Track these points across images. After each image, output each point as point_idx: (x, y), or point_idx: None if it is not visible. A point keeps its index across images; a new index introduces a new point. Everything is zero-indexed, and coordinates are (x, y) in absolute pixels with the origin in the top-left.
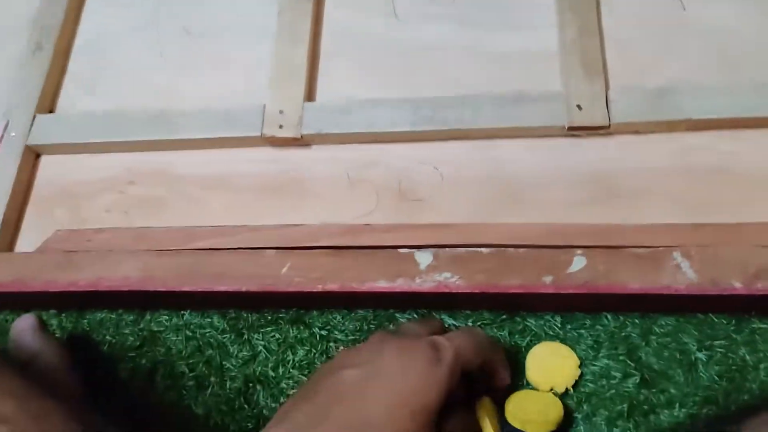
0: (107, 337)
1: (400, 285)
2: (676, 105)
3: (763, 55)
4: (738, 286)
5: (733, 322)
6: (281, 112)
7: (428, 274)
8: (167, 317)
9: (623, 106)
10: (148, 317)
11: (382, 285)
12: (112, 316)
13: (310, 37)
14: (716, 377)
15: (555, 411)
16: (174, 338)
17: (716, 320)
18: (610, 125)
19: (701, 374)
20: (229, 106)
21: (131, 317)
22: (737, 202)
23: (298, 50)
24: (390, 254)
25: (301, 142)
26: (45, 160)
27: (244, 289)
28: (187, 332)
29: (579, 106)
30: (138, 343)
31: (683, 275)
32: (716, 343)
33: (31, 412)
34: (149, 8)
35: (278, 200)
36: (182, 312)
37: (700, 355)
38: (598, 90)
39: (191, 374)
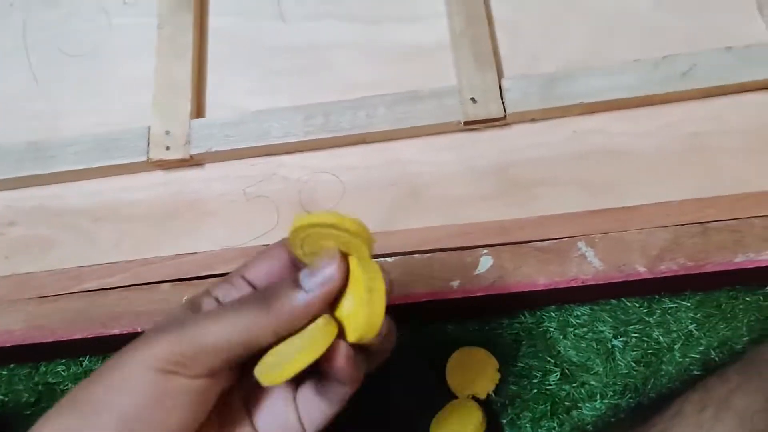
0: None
1: None
2: (568, 90)
3: (646, 34)
4: (642, 270)
5: (645, 304)
6: (167, 132)
7: None
8: (64, 367)
9: (517, 95)
10: (43, 369)
11: None
12: (3, 372)
13: (193, 49)
14: (633, 363)
15: (474, 420)
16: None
17: (629, 304)
18: (506, 116)
19: (619, 362)
20: (112, 130)
21: (24, 371)
22: (633, 182)
23: (182, 65)
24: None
25: (191, 162)
26: None
27: (140, 329)
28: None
29: (473, 99)
30: (33, 399)
31: (589, 265)
32: (630, 328)
33: None
34: (17, 30)
35: (173, 226)
36: (80, 359)
37: (616, 342)
38: (491, 81)
39: None
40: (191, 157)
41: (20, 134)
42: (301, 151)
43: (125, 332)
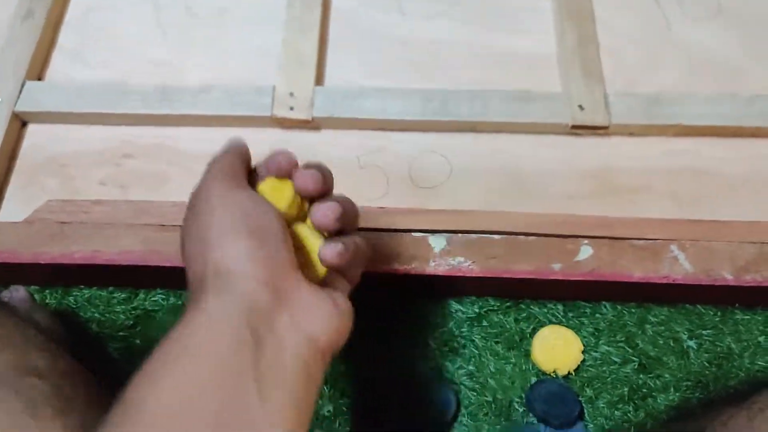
0: (96, 315)
1: (415, 268)
2: (668, 111)
3: (733, 76)
4: (729, 277)
5: (719, 313)
6: (291, 94)
7: (442, 258)
8: (163, 296)
9: (621, 109)
10: (142, 296)
11: (396, 267)
12: (102, 293)
13: (319, 26)
14: (706, 363)
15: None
16: (171, 319)
17: (704, 311)
18: (609, 126)
19: (692, 361)
20: (238, 85)
21: (123, 295)
22: (719, 201)
23: (308, 39)
24: (404, 237)
25: (311, 124)
26: (32, 129)
27: None
28: None
29: (581, 107)
30: (131, 323)
31: (680, 266)
32: (705, 332)
33: (59, 369)
34: None
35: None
36: (180, 291)
37: (690, 343)
38: (598, 93)
39: None
40: (312, 119)
41: (145, 76)
42: (414, 130)
43: None
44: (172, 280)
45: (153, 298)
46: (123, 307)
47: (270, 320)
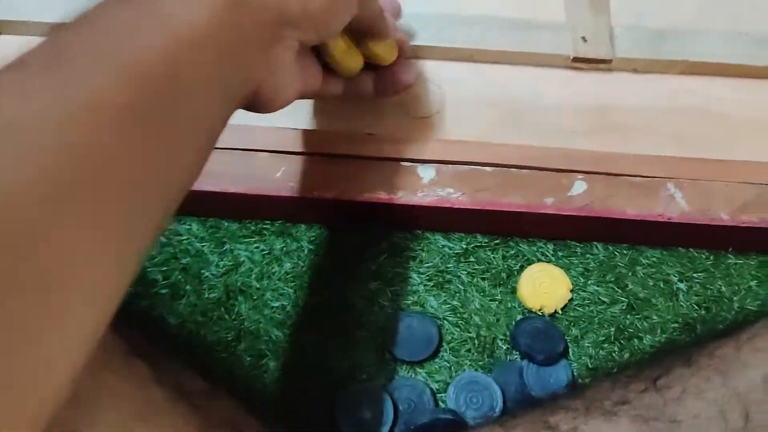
0: None
1: (401, 198)
2: (675, 47)
3: (755, 9)
4: (725, 217)
5: (712, 257)
6: None
7: (430, 188)
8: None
9: (626, 42)
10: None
11: (381, 196)
12: None
13: None
14: (695, 306)
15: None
16: None
17: (696, 254)
18: (612, 60)
19: (681, 303)
20: None
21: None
22: (723, 141)
23: None
24: (391, 166)
25: None
26: (4, 40)
27: (231, 190)
28: (162, 238)
29: (584, 38)
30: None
31: (676, 204)
32: (696, 275)
33: None
34: None
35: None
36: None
37: (681, 285)
38: (603, 25)
39: (164, 282)
40: None
41: None
42: (408, 57)
43: (216, 190)
44: None
45: None
46: None
47: None
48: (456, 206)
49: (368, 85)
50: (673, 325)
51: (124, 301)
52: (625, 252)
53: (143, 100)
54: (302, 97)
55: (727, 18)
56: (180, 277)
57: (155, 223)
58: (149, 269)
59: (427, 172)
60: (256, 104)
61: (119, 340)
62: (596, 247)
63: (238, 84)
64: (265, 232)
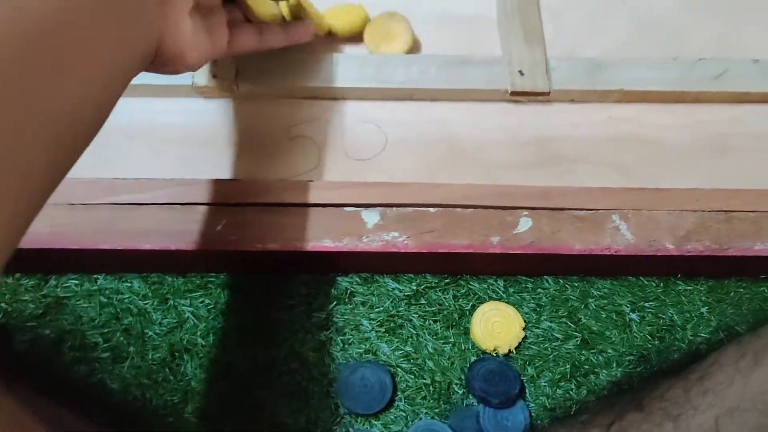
0: (2, 305)
1: (347, 245)
2: (610, 76)
3: (679, 37)
4: (670, 247)
5: (662, 284)
6: (215, 61)
7: (376, 234)
8: (77, 282)
9: (562, 74)
10: (53, 282)
11: (327, 245)
12: (8, 280)
13: None
14: (648, 337)
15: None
16: (85, 305)
17: (646, 282)
18: (550, 92)
19: (635, 334)
20: None
21: (32, 282)
22: (661, 170)
23: None
24: (335, 213)
25: (236, 93)
26: None
27: (172, 247)
28: (102, 298)
29: (521, 72)
30: (40, 311)
31: (622, 236)
32: (647, 304)
33: None
34: None
35: (211, 154)
36: (95, 276)
37: (633, 316)
38: (539, 57)
39: (106, 345)
40: (237, 87)
41: None
42: (348, 98)
43: (156, 248)
44: (85, 263)
45: (65, 285)
46: (31, 295)
47: None
48: (402, 250)
49: (279, 39)
50: (628, 358)
51: (55, 373)
52: (576, 284)
53: (32, 46)
54: (213, 57)
55: (657, 45)
56: (122, 338)
57: (41, 171)
58: (88, 332)
59: (371, 217)
60: (161, 63)
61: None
62: (547, 281)
63: (135, 39)
64: (210, 285)
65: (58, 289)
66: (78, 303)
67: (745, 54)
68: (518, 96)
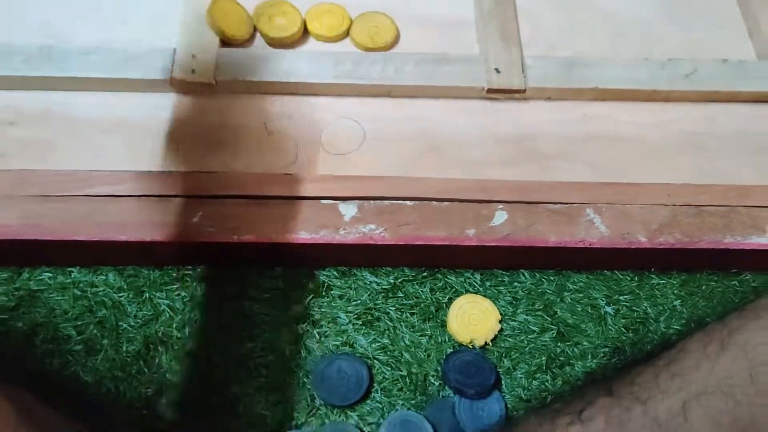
0: None
1: (323, 237)
2: (584, 75)
3: (651, 40)
4: (643, 240)
5: (636, 278)
6: (194, 56)
7: (352, 226)
8: (50, 275)
9: (538, 72)
10: (26, 275)
11: (303, 237)
12: None
13: None
14: (623, 329)
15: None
16: (58, 298)
17: (621, 276)
18: (526, 90)
19: (610, 327)
20: (132, 47)
21: (5, 275)
22: (635, 164)
23: None
24: (312, 205)
25: (214, 89)
26: None
27: (148, 239)
28: (76, 291)
29: (497, 70)
30: (12, 304)
31: (596, 229)
32: (622, 297)
33: None
34: None
35: (188, 149)
36: (69, 269)
37: (608, 309)
38: (515, 56)
39: (79, 337)
40: (216, 82)
41: (31, 36)
42: (326, 94)
43: (131, 240)
44: (59, 255)
45: (39, 277)
46: (4, 287)
47: None
48: (379, 243)
49: None
50: (603, 350)
51: (28, 366)
52: (552, 278)
53: None
54: None
55: (630, 47)
56: (95, 331)
57: None
58: (61, 324)
59: (348, 210)
60: None
61: (10, 407)
62: (523, 274)
63: None
64: (186, 278)
65: (31, 282)
66: (51, 296)
67: (714, 56)
68: (495, 93)
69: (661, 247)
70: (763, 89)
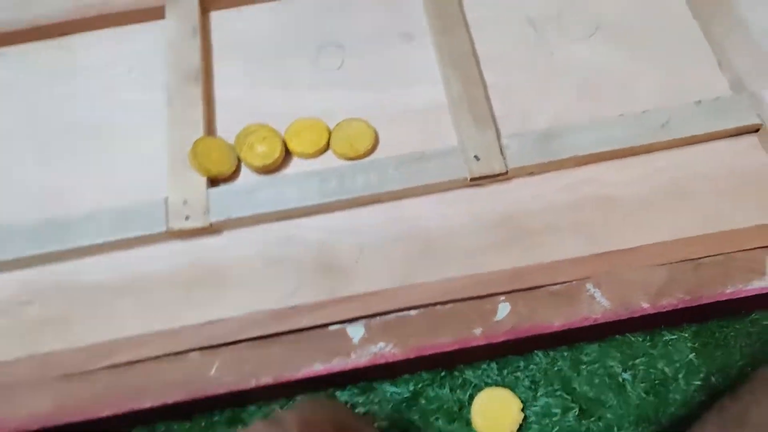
0: None
1: (337, 364)
2: (562, 145)
3: (624, 89)
4: (646, 305)
5: (648, 337)
6: (185, 202)
7: (363, 348)
8: None
9: (516, 151)
10: None
11: (318, 368)
12: None
13: (204, 122)
14: (643, 395)
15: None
16: None
17: (633, 339)
18: (507, 171)
19: (630, 394)
20: (128, 203)
21: None
22: (627, 226)
23: (195, 137)
24: (321, 334)
25: (210, 230)
26: None
27: (171, 401)
28: None
29: (476, 157)
30: None
31: (597, 304)
32: (637, 361)
33: None
34: (25, 104)
35: (195, 295)
36: None
37: (626, 375)
38: (491, 140)
39: None
40: (211, 225)
41: (31, 212)
42: (317, 213)
43: (156, 405)
44: (89, 429)
45: None
46: None
47: None
48: (391, 360)
49: None
50: (627, 420)
51: None
52: (565, 354)
53: None
54: None
55: (603, 103)
56: None
57: None
58: None
59: (356, 332)
60: None
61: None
62: (537, 355)
63: None
64: (216, 426)
65: None
66: None
67: (688, 97)
68: (478, 180)
69: (664, 310)
70: (739, 124)
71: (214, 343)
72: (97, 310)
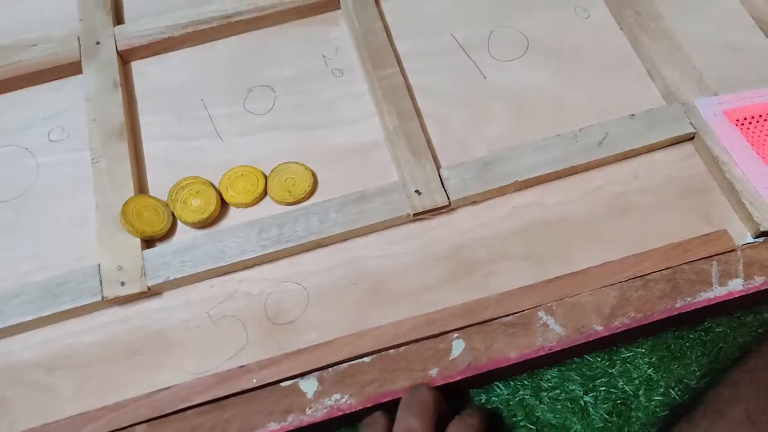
0: None
1: (292, 422)
2: (502, 171)
3: (560, 109)
4: (600, 329)
5: (606, 356)
6: (120, 267)
7: (318, 401)
8: None
9: (457, 182)
10: None
11: (273, 427)
12: None
13: (133, 179)
14: (606, 416)
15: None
16: None
17: (592, 360)
18: (450, 203)
19: (593, 417)
20: (58, 273)
21: None
22: (574, 247)
23: (124, 196)
24: (273, 391)
25: (149, 293)
26: None
27: None
28: None
29: (418, 192)
30: None
31: (551, 332)
32: (597, 382)
33: None
34: None
35: (139, 363)
36: None
37: (587, 398)
38: (431, 172)
39: None
40: (149, 288)
41: None
42: (259, 264)
43: None
44: None
45: None
46: None
47: None
48: (347, 411)
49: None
50: None
51: None
52: (526, 382)
53: None
54: None
55: (540, 124)
56: None
57: None
58: None
59: (309, 386)
60: None
61: None
62: (498, 386)
63: None
64: None
65: None
66: None
67: (621, 110)
68: (421, 215)
69: (618, 330)
70: (674, 134)
71: (161, 413)
72: (32, 390)
